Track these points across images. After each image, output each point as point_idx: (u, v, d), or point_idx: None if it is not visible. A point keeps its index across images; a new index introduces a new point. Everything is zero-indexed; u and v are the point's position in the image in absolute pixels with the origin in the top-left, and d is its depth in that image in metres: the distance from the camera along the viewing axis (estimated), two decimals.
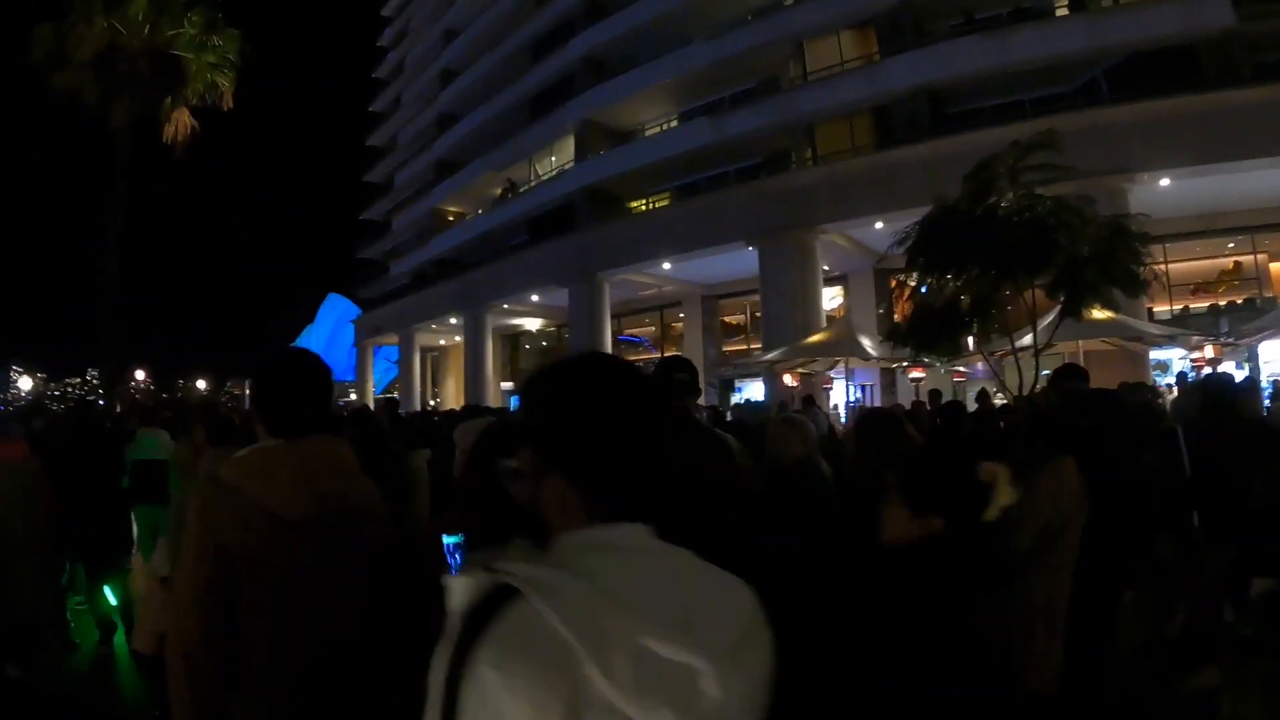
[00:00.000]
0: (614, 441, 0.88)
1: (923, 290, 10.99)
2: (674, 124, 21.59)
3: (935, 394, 9.65)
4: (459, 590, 0.79)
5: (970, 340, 9.90)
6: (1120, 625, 2.89)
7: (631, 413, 0.91)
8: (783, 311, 14.32)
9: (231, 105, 18.97)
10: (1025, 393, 7.91)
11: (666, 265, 17.81)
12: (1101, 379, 6.16)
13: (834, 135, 17.37)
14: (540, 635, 0.71)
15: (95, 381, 19.34)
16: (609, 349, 18.91)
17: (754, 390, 17.95)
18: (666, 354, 21.64)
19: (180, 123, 18.51)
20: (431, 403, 30.37)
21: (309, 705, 1.63)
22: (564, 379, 0.94)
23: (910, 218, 11.05)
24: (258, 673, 1.60)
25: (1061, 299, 7.75)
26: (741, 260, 15.81)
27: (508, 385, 25.61)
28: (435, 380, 33.90)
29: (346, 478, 1.82)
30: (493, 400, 22.27)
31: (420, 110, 35.74)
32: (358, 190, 43.47)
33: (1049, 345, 8.20)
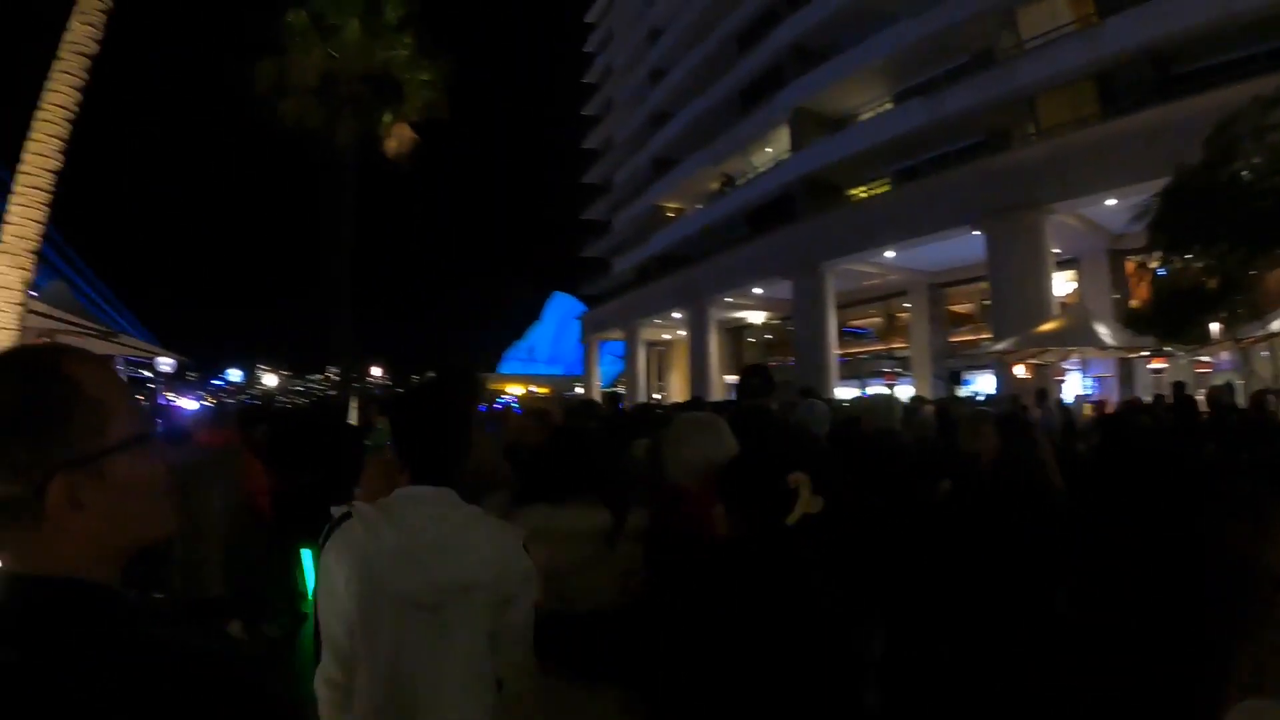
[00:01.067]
0: (412, 437, 1.83)
1: (1162, 272, 10.84)
2: (888, 106, 21.75)
3: (1179, 386, 9.55)
4: (335, 515, 1.77)
5: (1216, 326, 9.74)
6: None
7: (426, 420, 1.83)
8: (1012, 298, 14.31)
9: (448, 118, 20.52)
10: None
11: (890, 253, 18.21)
12: None
13: (1056, 106, 16.83)
14: (350, 533, 1.69)
15: (335, 377, 22.43)
16: (833, 341, 19.73)
17: (984, 383, 17.96)
18: (892, 346, 22.04)
19: (401, 137, 20.12)
20: (656, 396, 32.55)
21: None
22: (403, 399, 1.97)
23: (1141, 192, 10.92)
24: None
25: None
26: (967, 245, 15.90)
27: (732, 378, 26.90)
28: (660, 374, 36.14)
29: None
30: (717, 393, 23.63)
31: (633, 110, 38.04)
32: (578, 191, 46.96)
33: None
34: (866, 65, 20.78)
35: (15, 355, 0.91)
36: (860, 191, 22.34)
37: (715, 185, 30.41)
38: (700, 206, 31.39)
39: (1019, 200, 14.36)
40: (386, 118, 20.04)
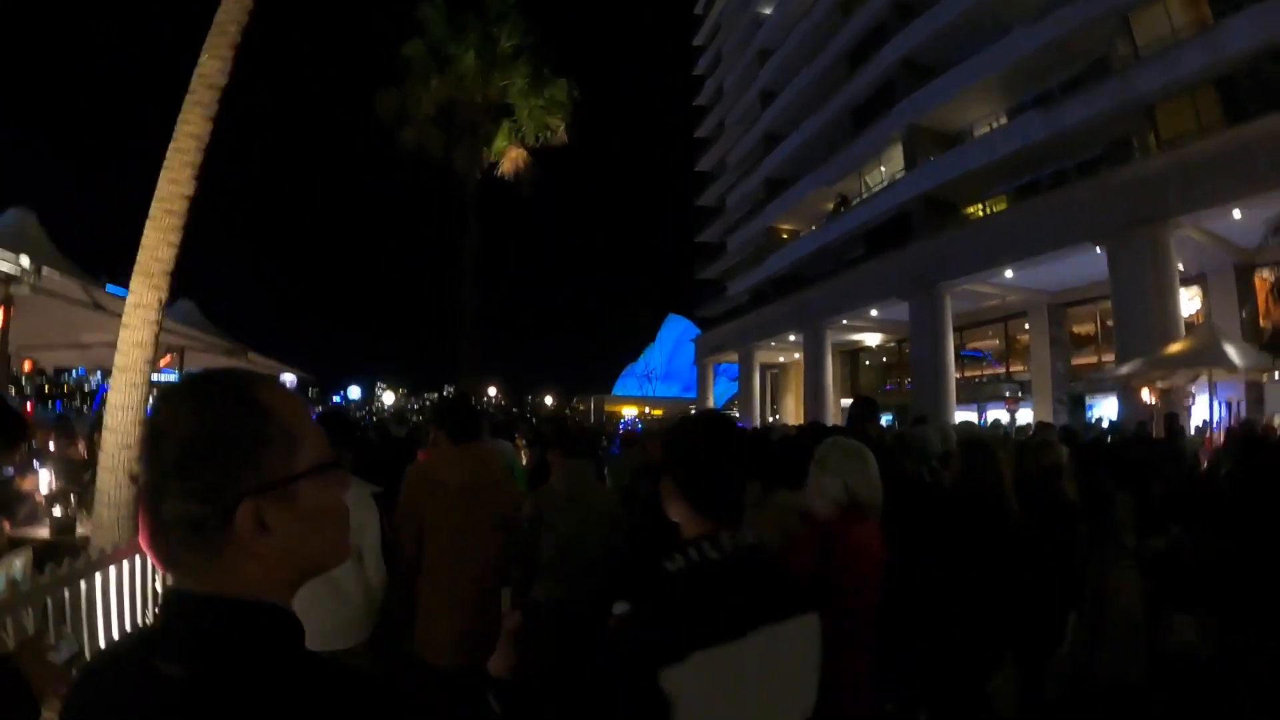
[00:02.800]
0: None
1: None
2: (1003, 121, 21.71)
3: None
4: None
5: None
6: None
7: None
8: (1136, 318, 14.10)
9: (566, 141, 21.71)
10: None
11: (1009, 273, 18.17)
12: None
13: (1176, 115, 16.46)
14: None
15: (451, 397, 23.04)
16: (951, 364, 19.78)
17: (1107, 407, 17.54)
18: (1012, 369, 21.79)
19: (518, 162, 21.46)
20: (771, 419, 32.99)
21: (455, 588, 3.61)
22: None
23: (1270, 202, 10.81)
24: (429, 568, 3.60)
25: None
26: (1089, 263, 15.75)
27: (847, 401, 27.03)
28: (775, 397, 36.53)
29: (486, 465, 3.93)
30: (832, 417, 23.95)
31: (744, 132, 38.93)
32: (693, 214, 48.15)
33: None
34: (979, 79, 20.87)
35: (211, 380, 0.95)
36: (978, 209, 22.33)
37: (830, 206, 30.83)
38: (815, 228, 31.83)
39: (1141, 215, 14.22)
40: (503, 143, 21.29)
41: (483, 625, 3.19)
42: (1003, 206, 20.95)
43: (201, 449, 0.87)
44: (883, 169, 27.44)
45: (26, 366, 11.71)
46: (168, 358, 11.92)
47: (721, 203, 43.48)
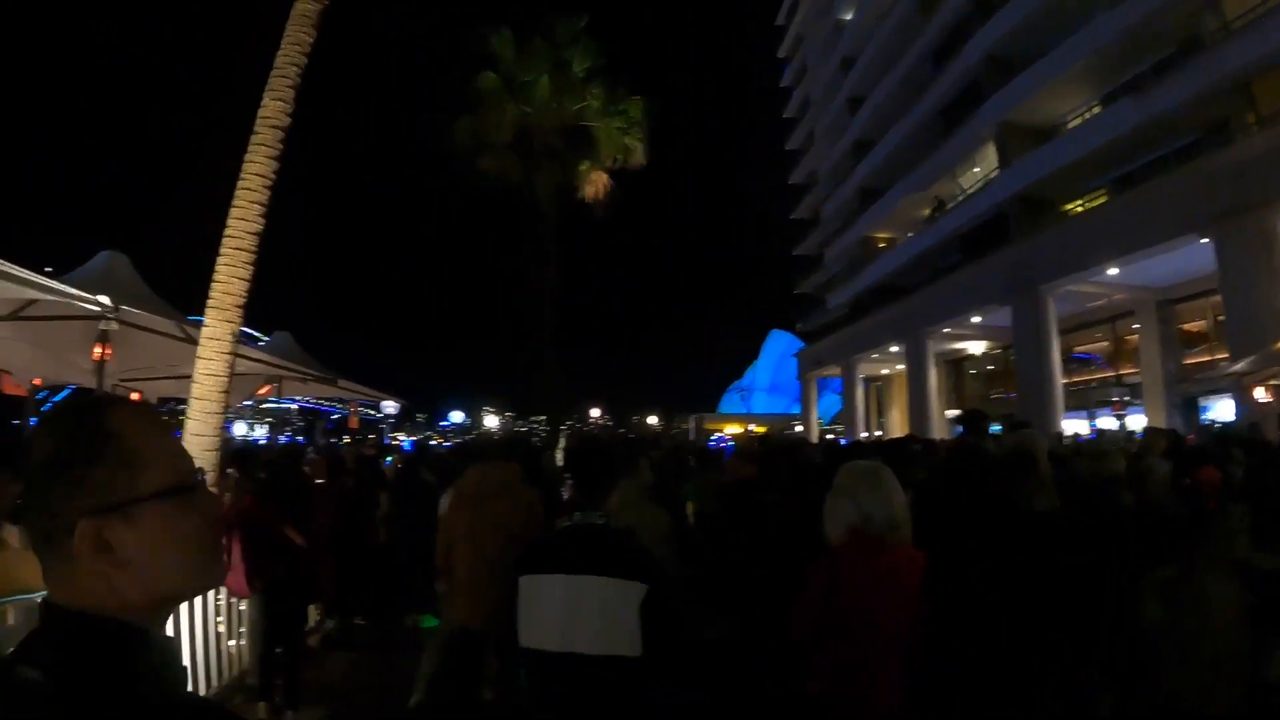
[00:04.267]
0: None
1: None
2: (1095, 111, 20.94)
3: None
4: None
5: None
6: None
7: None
8: (1248, 312, 13.21)
9: (645, 162, 21.69)
10: None
11: (1112, 270, 17.47)
12: None
13: (1275, 90, 15.64)
14: None
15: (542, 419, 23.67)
16: (1057, 369, 19.07)
17: (1223, 409, 16.52)
18: (1121, 372, 20.77)
19: (598, 185, 21.57)
20: (878, 433, 32.39)
21: (476, 586, 4.37)
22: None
23: None
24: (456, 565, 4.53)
25: None
26: (1196, 255, 14.89)
27: (953, 413, 26.36)
28: (880, 410, 35.86)
29: (501, 480, 4.66)
30: (937, 430, 23.34)
31: (834, 141, 38.71)
32: (788, 227, 48.02)
33: None
34: (1066, 69, 20.11)
35: (66, 405, 0.99)
36: (1076, 205, 21.55)
37: (926, 211, 30.27)
38: (911, 235, 31.29)
39: (1246, 200, 13.47)
40: (583, 166, 21.44)
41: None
42: (1101, 201, 20.14)
43: (46, 470, 0.93)
44: (976, 170, 26.77)
45: (134, 399, 12.33)
46: (267, 388, 12.57)
47: (817, 214, 43.24)
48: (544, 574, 2.60)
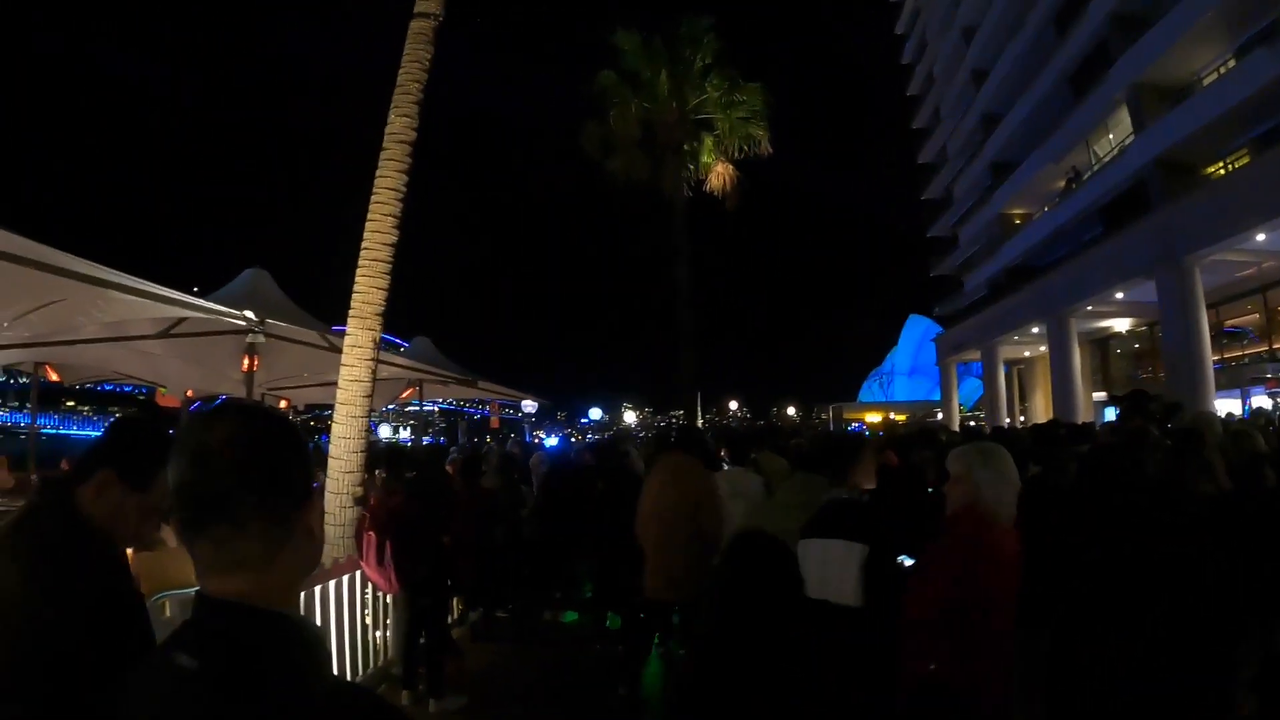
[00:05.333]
0: None
1: None
2: (1231, 64, 19.48)
3: None
4: None
5: None
6: None
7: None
8: None
9: (770, 150, 21.81)
10: None
11: (1260, 236, 16.36)
12: None
13: None
14: None
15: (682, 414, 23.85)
16: (1206, 345, 17.92)
17: None
18: (1274, 346, 19.24)
19: (724, 176, 21.90)
20: (1020, 419, 31.07)
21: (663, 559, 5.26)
22: None
23: None
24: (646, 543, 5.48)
25: None
26: None
27: (1100, 395, 25.07)
28: (1022, 394, 34.34)
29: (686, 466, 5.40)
30: (1083, 413, 22.28)
31: (961, 117, 37.41)
32: (920, 208, 46.71)
33: None
34: (1195, 21, 18.72)
35: (258, 407, 1.11)
36: (1219, 168, 20.13)
37: (1061, 184, 28.91)
38: (1048, 209, 29.94)
39: None
40: (707, 159, 21.95)
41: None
42: (1244, 162, 18.78)
43: (277, 455, 1.02)
44: (1111, 136, 25.35)
45: (283, 405, 12.52)
46: (409, 391, 13.09)
47: (949, 193, 41.82)
48: (809, 538, 3.58)
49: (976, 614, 2.87)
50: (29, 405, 10.20)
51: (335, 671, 1.19)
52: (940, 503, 3.34)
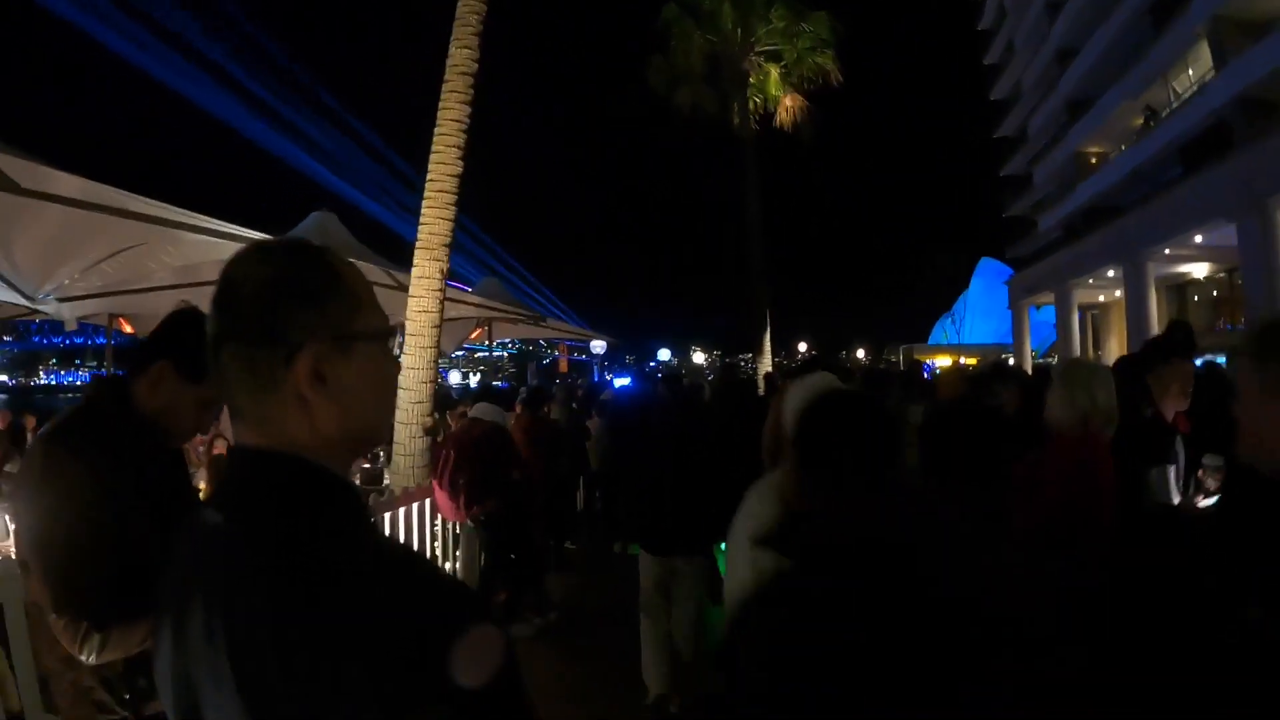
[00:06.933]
0: None
1: None
2: None
3: None
4: None
5: None
6: None
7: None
8: None
9: (840, 80, 21.37)
10: None
11: None
12: None
13: None
14: None
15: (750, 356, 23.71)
16: None
17: None
18: None
19: (794, 108, 21.58)
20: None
21: None
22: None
23: None
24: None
25: None
26: None
27: None
28: (1096, 341, 33.67)
29: None
30: None
31: (1036, 51, 36.24)
32: (993, 146, 45.55)
33: None
34: None
35: (285, 240, 1.00)
36: None
37: (1139, 121, 28.01)
38: (1124, 148, 29.07)
39: None
40: (775, 91, 21.58)
41: None
42: None
43: (269, 293, 0.91)
44: (1190, 72, 24.46)
45: None
46: (478, 331, 12.95)
47: (1022, 131, 40.68)
48: None
49: (1079, 522, 2.87)
50: (106, 364, 9.74)
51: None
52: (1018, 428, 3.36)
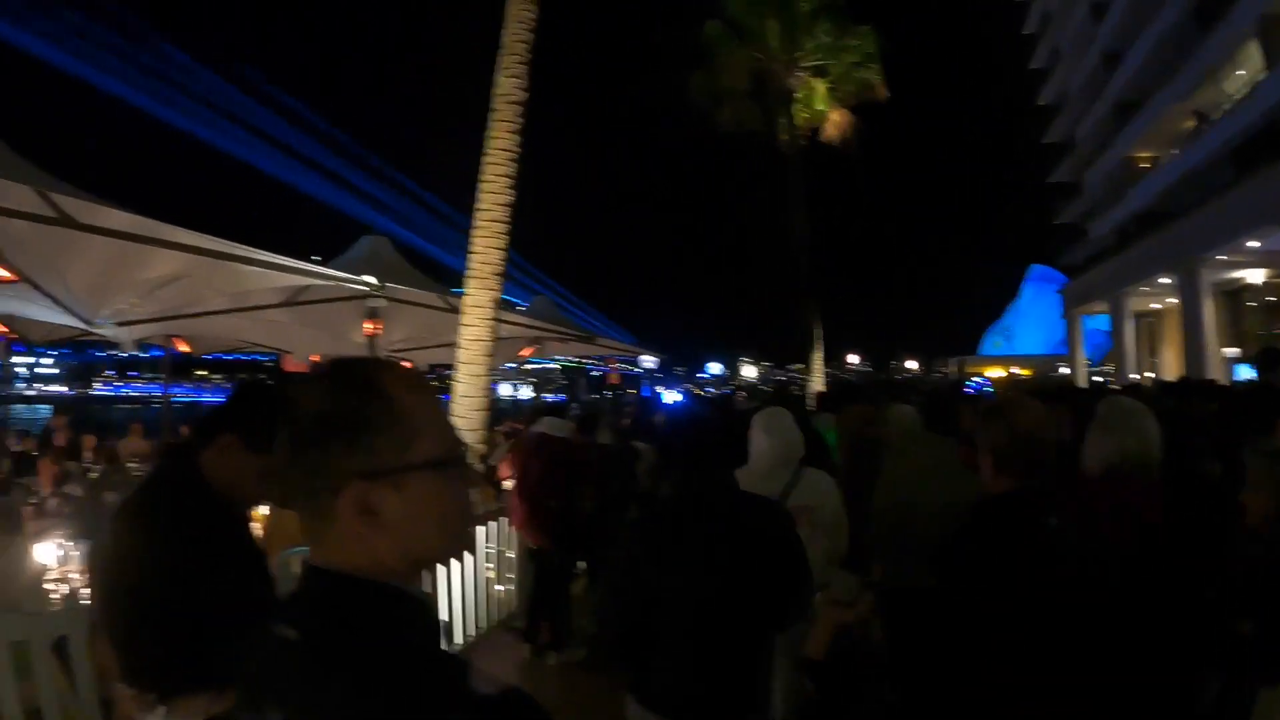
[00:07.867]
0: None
1: None
2: None
3: None
4: None
5: None
6: None
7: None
8: None
9: (885, 95, 21.25)
10: None
11: None
12: None
13: None
14: None
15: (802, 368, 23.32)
16: None
17: None
18: None
19: (840, 124, 21.46)
20: (1149, 374, 29.64)
21: None
22: None
23: None
24: None
25: None
26: None
27: (1232, 351, 23.72)
28: (1152, 349, 32.76)
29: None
30: (1214, 371, 21.27)
31: (1081, 55, 35.52)
32: (1041, 153, 44.70)
33: None
34: None
35: (338, 366, 1.00)
36: None
37: (1189, 124, 27.33)
38: (1175, 152, 28.36)
39: None
40: (821, 106, 21.42)
41: None
42: None
43: (317, 429, 0.93)
44: (1241, 73, 23.82)
45: (406, 366, 13.44)
46: (529, 350, 13.06)
47: (1070, 137, 39.79)
48: None
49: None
50: (162, 376, 10.04)
51: (449, 637, 1.13)
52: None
